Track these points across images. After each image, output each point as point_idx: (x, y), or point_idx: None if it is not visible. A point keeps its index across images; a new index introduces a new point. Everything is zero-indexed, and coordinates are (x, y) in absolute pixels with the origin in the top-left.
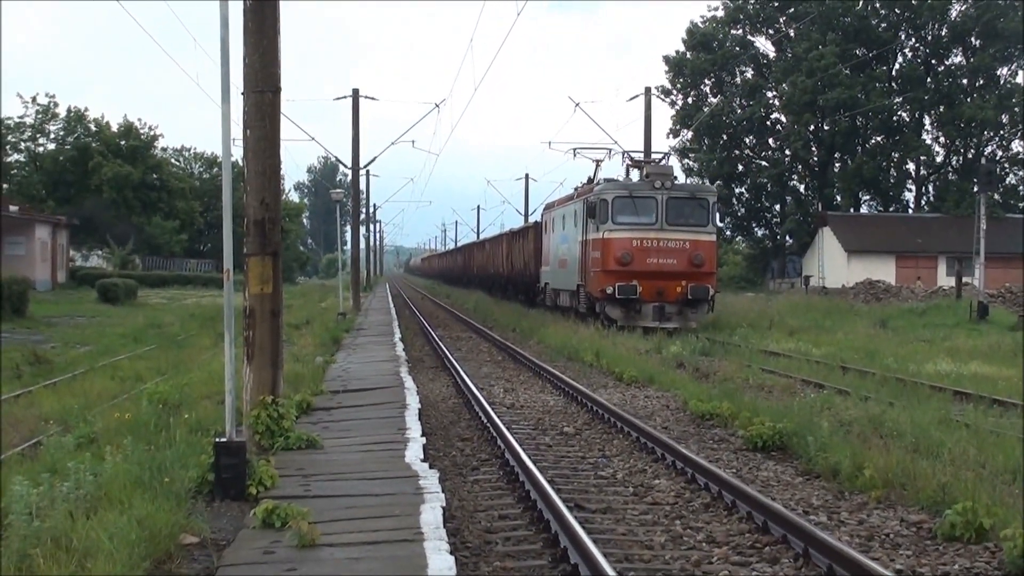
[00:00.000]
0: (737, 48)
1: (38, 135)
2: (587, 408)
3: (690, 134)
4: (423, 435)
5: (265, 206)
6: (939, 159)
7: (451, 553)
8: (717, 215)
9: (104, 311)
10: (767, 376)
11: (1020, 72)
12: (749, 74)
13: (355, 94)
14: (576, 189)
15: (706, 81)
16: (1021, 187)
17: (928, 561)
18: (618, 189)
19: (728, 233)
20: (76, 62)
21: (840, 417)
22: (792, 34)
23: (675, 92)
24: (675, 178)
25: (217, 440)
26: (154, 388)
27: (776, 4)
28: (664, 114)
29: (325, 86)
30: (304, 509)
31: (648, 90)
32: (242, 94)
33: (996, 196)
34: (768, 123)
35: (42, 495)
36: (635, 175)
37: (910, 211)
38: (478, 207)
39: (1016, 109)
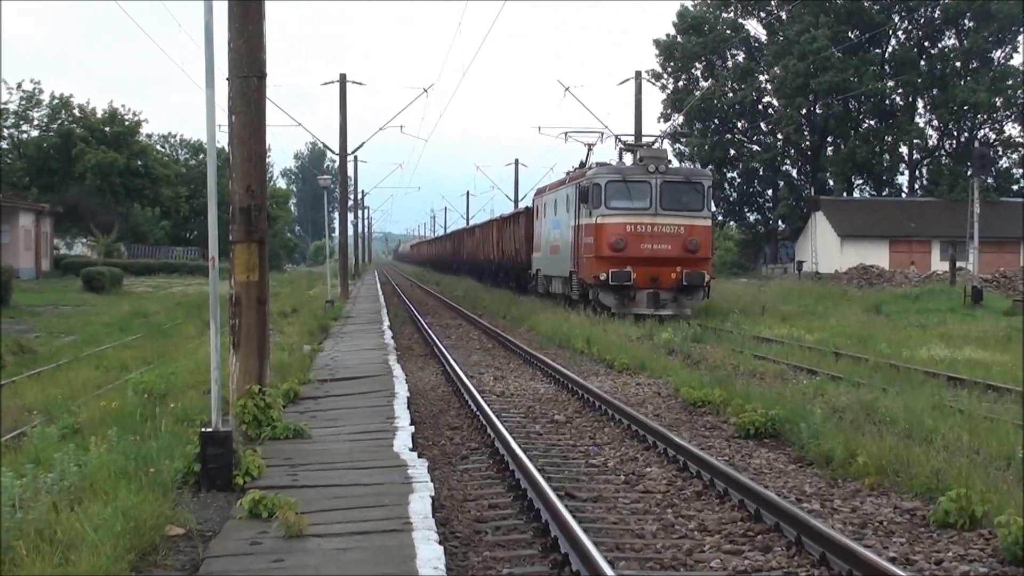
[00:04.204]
0: (728, 31)
1: (21, 122)
2: (578, 396)
3: (681, 118)
4: (412, 424)
5: (251, 193)
6: (932, 143)
7: (440, 543)
8: (712, 200)
9: (89, 300)
10: (759, 362)
11: (1014, 55)
12: (740, 57)
13: (342, 79)
14: (568, 173)
15: (697, 65)
16: (1015, 170)
17: (922, 548)
18: (611, 173)
19: (720, 218)
20: (56, 46)
21: (833, 404)
22: (784, 17)
23: (666, 76)
24: (669, 162)
25: (203, 430)
26: (139, 378)
27: None
28: (655, 98)
29: (312, 71)
30: (291, 499)
31: (639, 74)
32: (227, 79)
33: (990, 180)
34: (760, 107)
35: (25, 486)
36: (628, 159)
37: (903, 195)
38: (467, 193)
39: (1010, 92)
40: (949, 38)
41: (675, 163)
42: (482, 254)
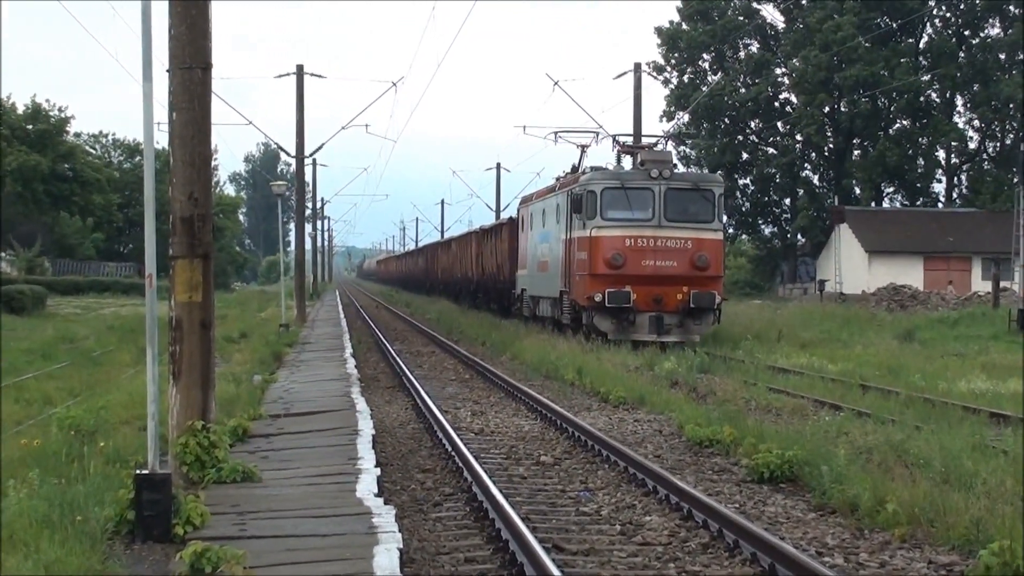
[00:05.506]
0: (741, 18)
1: None
2: (567, 434)
3: (686, 117)
4: (377, 466)
5: (194, 201)
6: (973, 145)
7: None
8: (723, 210)
9: (7, 323)
10: (775, 396)
11: None
12: (754, 48)
13: (299, 71)
14: (558, 179)
15: (705, 56)
16: None
17: None
18: (608, 179)
19: (732, 231)
20: None
21: (859, 443)
22: (804, 2)
23: (669, 69)
24: (674, 166)
25: (138, 472)
26: (65, 412)
27: None
28: (657, 94)
29: (265, 63)
30: (239, 552)
31: (638, 66)
32: (167, 71)
33: None
34: (777, 104)
35: None
36: (627, 163)
37: (940, 205)
38: (442, 201)
39: None
40: (993, 26)
41: (680, 168)
42: (459, 271)
